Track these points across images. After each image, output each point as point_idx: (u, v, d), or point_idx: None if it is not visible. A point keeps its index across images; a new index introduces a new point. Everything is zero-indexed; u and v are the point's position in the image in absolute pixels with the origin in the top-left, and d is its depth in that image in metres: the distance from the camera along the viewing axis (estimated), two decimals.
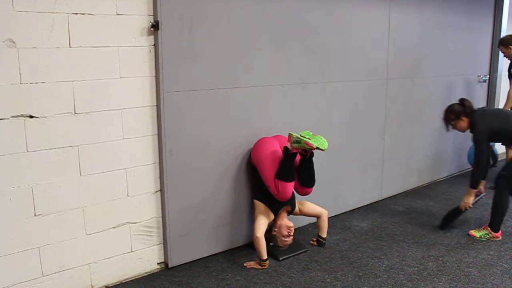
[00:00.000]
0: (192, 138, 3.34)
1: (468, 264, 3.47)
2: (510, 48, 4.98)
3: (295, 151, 3.30)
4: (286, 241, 3.53)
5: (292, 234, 3.53)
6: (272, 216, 3.51)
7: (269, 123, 3.74)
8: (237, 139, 3.58)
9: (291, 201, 3.57)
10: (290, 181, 3.33)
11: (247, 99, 3.59)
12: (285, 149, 3.32)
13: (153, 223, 3.32)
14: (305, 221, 4.10)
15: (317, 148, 3.23)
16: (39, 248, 2.84)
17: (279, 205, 3.50)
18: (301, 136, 3.28)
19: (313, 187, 3.53)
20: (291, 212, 3.63)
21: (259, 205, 3.52)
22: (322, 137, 3.29)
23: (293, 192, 3.54)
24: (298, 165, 3.44)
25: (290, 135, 3.34)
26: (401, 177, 5.14)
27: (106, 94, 2.96)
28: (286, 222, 3.51)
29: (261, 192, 3.52)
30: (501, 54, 6.05)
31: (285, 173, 3.32)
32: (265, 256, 3.40)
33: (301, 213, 3.71)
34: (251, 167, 3.62)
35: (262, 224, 3.41)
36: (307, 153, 3.37)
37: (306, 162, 3.43)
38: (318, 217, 3.77)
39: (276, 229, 3.53)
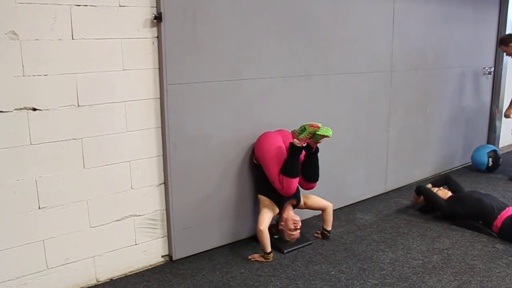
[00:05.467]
0: (196, 130, 3.32)
1: (473, 257, 3.46)
2: (510, 46, 5.10)
3: (303, 143, 3.28)
4: (293, 234, 3.52)
5: (298, 227, 3.52)
6: (277, 210, 3.49)
7: (273, 115, 3.72)
8: (240, 131, 3.56)
9: (296, 195, 3.55)
10: (295, 177, 3.32)
11: (250, 91, 3.57)
12: (291, 145, 3.31)
13: (157, 216, 3.32)
14: (309, 214, 4.09)
15: (323, 135, 3.24)
16: (43, 241, 2.84)
17: (284, 198, 3.49)
18: (302, 126, 3.31)
19: (317, 182, 3.51)
20: (296, 205, 3.61)
21: (264, 199, 3.50)
22: (324, 126, 3.30)
23: (297, 186, 3.52)
24: (303, 160, 3.43)
25: (293, 132, 3.37)
26: (406, 169, 5.11)
27: (109, 86, 2.95)
28: (292, 216, 3.50)
29: (265, 186, 3.51)
30: None
31: (290, 168, 3.30)
32: (269, 249, 3.40)
33: (306, 206, 3.70)
34: (254, 162, 3.60)
35: (266, 217, 3.40)
36: (314, 144, 3.35)
37: (311, 157, 3.41)
38: (323, 210, 3.75)
39: (282, 223, 3.52)
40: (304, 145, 3.31)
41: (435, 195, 4.20)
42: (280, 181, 3.32)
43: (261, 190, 3.56)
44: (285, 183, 3.30)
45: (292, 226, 3.49)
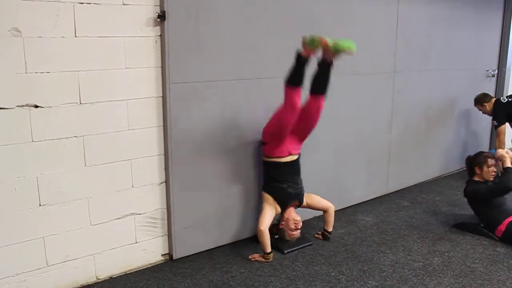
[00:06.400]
0: (198, 129, 3.32)
1: (474, 260, 3.45)
2: (485, 105, 5.26)
3: (308, 53, 3.09)
4: (293, 234, 3.51)
5: (299, 227, 3.51)
6: (279, 209, 3.49)
7: None
8: (243, 131, 3.56)
9: (299, 198, 3.55)
10: (296, 85, 3.14)
11: (253, 91, 3.56)
12: (297, 54, 3.12)
13: (158, 215, 3.32)
14: (310, 214, 4.08)
15: (341, 49, 3.00)
16: (43, 238, 2.84)
17: (287, 199, 3.48)
18: (311, 36, 3.07)
19: (324, 100, 3.29)
20: (298, 206, 3.61)
21: (267, 197, 3.49)
22: (347, 40, 3.01)
23: (301, 187, 3.50)
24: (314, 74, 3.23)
25: (303, 38, 3.11)
26: (407, 171, 5.10)
27: (112, 84, 2.95)
28: (293, 216, 3.50)
29: (270, 185, 3.49)
30: (510, 49, 6.01)
31: (293, 76, 3.13)
32: (269, 249, 3.39)
33: (308, 206, 3.69)
34: (263, 160, 3.57)
35: (267, 217, 3.40)
36: (332, 56, 3.11)
37: (321, 67, 3.19)
38: (324, 211, 3.74)
39: (283, 223, 3.52)
40: (307, 57, 3.11)
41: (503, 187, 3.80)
42: (284, 95, 3.18)
43: (266, 187, 3.53)
44: (287, 93, 3.17)
45: (293, 226, 3.48)
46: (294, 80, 3.15)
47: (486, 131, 6.23)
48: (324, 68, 3.18)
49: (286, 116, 3.27)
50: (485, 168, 3.93)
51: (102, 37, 2.85)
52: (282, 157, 3.44)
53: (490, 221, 3.83)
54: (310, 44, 3.06)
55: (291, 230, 3.49)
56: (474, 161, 4.02)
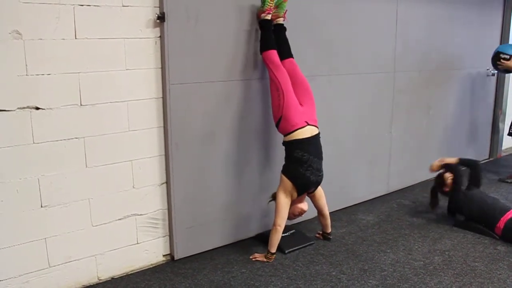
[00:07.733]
0: (198, 130, 3.33)
1: (475, 259, 3.45)
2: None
3: (264, 14, 3.39)
4: (292, 218, 3.58)
5: (302, 215, 3.59)
6: (295, 196, 3.38)
7: None
8: (243, 131, 3.57)
9: (317, 185, 3.48)
10: (271, 48, 3.42)
11: (253, 91, 3.58)
12: (260, 22, 3.44)
13: (159, 215, 3.33)
14: (311, 214, 4.08)
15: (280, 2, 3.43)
16: (45, 239, 2.85)
17: (309, 186, 3.40)
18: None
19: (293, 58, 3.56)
20: (311, 192, 3.55)
21: (287, 182, 3.32)
22: None
23: (322, 174, 3.44)
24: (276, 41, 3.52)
25: (258, 10, 3.45)
26: (409, 170, 5.11)
27: (112, 86, 2.96)
28: (302, 205, 3.52)
29: (293, 170, 3.32)
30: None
31: (265, 43, 3.44)
32: (274, 250, 3.40)
33: (312, 196, 3.61)
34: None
35: (284, 215, 3.36)
36: (278, 21, 3.49)
37: (278, 32, 3.51)
38: (320, 214, 3.71)
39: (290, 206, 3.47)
40: (269, 15, 3.40)
41: (461, 180, 4.08)
42: (264, 62, 3.48)
43: (287, 171, 3.35)
44: (266, 58, 3.42)
45: (297, 213, 3.53)
46: (267, 45, 3.44)
47: (487, 130, 6.23)
48: (280, 31, 3.52)
49: (277, 76, 3.37)
50: (448, 181, 4.12)
51: (102, 39, 2.87)
52: (301, 127, 3.31)
53: (487, 220, 3.84)
54: (264, 4, 3.39)
55: (293, 214, 3.52)
56: (439, 184, 4.22)
